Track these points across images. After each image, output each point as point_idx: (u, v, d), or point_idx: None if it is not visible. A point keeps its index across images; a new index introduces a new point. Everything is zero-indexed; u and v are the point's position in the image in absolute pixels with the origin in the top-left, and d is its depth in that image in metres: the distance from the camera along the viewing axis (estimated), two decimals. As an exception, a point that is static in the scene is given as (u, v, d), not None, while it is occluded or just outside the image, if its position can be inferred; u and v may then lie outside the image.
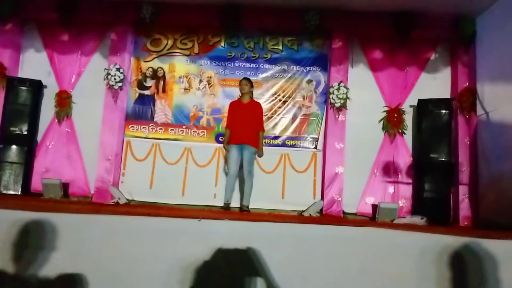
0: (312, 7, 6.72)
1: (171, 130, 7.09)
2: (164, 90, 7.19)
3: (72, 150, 7.02)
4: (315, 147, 6.98)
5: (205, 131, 7.04)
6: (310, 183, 6.85)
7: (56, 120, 7.10)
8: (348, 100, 6.76)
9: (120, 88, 6.87)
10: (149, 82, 7.22)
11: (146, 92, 7.21)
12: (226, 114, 6.78)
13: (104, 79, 6.85)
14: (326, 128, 6.91)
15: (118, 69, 6.82)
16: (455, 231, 4.03)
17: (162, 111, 7.15)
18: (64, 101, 7.08)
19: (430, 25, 6.71)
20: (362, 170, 6.84)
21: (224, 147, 6.04)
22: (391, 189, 6.81)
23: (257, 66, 7.14)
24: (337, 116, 6.79)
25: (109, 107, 6.90)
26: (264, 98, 7.05)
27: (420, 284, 2.57)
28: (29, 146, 6.89)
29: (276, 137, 7.02)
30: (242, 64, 7.14)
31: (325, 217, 6.28)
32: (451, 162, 6.50)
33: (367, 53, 7.07)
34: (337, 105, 6.72)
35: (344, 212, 6.63)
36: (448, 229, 4.61)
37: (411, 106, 6.92)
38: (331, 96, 6.75)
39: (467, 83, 6.65)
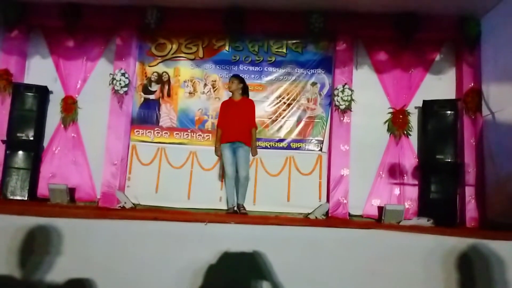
0: (316, 9, 6.72)
1: (176, 134, 7.11)
2: (169, 95, 7.22)
3: (78, 155, 7.06)
4: (320, 150, 6.98)
5: (210, 134, 7.05)
6: (315, 186, 6.84)
7: (62, 126, 7.14)
8: (353, 102, 6.74)
9: (126, 93, 6.90)
10: (154, 87, 7.25)
11: (151, 97, 7.24)
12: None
13: (110, 84, 6.88)
14: (331, 130, 6.90)
15: (123, 74, 6.85)
16: (462, 232, 4.01)
17: (167, 115, 7.18)
18: (70, 106, 7.12)
19: (434, 26, 6.69)
20: (368, 172, 6.82)
21: (215, 147, 5.82)
22: (397, 190, 6.79)
23: (261, 69, 7.15)
24: (342, 118, 6.78)
25: (114, 112, 6.93)
26: (268, 101, 7.06)
27: (427, 285, 2.56)
28: (36, 151, 6.93)
29: (281, 140, 7.02)
30: (246, 67, 7.15)
31: (331, 220, 6.26)
32: (457, 163, 6.47)
33: (371, 54, 7.06)
34: (342, 107, 6.72)
35: (350, 214, 6.61)
36: (455, 230, 4.58)
37: (416, 107, 6.89)
38: (335, 98, 6.74)
39: (472, 84, 6.62)
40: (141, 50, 7.30)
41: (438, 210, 6.16)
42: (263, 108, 6.99)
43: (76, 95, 7.19)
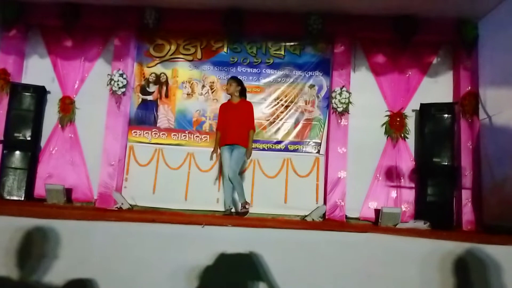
0: (314, 12, 6.74)
1: (174, 135, 7.11)
2: (167, 96, 7.22)
3: (75, 156, 7.05)
4: (318, 152, 6.99)
5: (208, 136, 7.05)
6: (312, 188, 6.85)
7: (60, 126, 7.13)
8: (350, 105, 6.76)
9: (123, 93, 6.90)
10: (152, 88, 7.25)
11: (149, 98, 7.24)
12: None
13: (107, 85, 6.88)
14: (328, 132, 6.92)
15: (121, 75, 6.85)
16: (458, 235, 4.03)
17: (165, 116, 7.18)
18: (67, 106, 7.12)
19: (432, 28, 6.72)
20: (365, 175, 6.84)
21: (213, 149, 5.84)
22: (393, 193, 6.81)
23: (259, 71, 7.16)
24: (339, 121, 6.79)
25: (112, 113, 6.93)
26: (266, 103, 7.07)
27: (424, 290, 2.57)
28: (33, 151, 6.93)
29: (279, 142, 7.03)
30: (244, 69, 7.16)
31: (328, 222, 6.27)
32: (454, 166, 6.50)
33: (369, 57, 7.08)
34: (340, 109, 6.73)
35: (347, 217, 6.63)
36: (451, 233, 4.60)
37: (413, 110, 6.92)
38: (333, 100, 6.76)
39: (469, 87, 6.65)
40: (139, 50, 7.31)
41: (435, 213, 6.19)
42: (260, 110, 7.00)
43: (74, 95, 7.19)
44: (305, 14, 6.78)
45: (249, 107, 5.82)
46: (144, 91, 7.25)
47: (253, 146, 5.89)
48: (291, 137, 7.04)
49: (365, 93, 6.92)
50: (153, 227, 2.81)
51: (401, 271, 2.62)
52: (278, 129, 7.06)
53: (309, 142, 7.02)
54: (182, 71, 7.26)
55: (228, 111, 5.76)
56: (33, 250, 2.59)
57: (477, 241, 2.73)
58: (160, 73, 7.26)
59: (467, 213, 6.38)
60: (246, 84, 6.15)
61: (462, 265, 2.58)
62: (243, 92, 5.86)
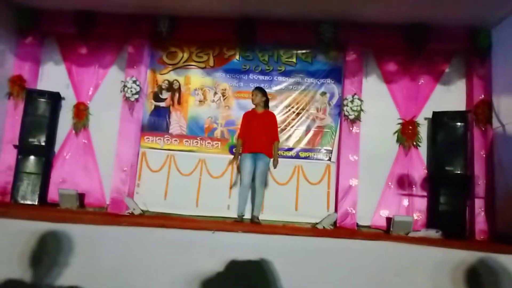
0: (326, 20, 6.75)
1: (185, 141, 7.15)
2: (179, 102, 7.28)
3: (89, 161, 7.13)
4: (329, 159, 6.97)
5: (219, 142, 7.09)
6: (323, 195, 6.83)
7: (74, 132, 7.22)
8: (362, 112, 6.74)
9: (136, 100, 6.97)
10: (165, 94, 7.32)
11: (162, 104, 7.30)
12: (240, 126, 6.84)
13: (121, 91, 6.96)
14: (340, 140, 6.90)
15: (134, 82, 6.93)
16: (471, 245, 3.98)
17: (177, 122, 7.23)
18: (81, 112, 7.20)
19: (445, 37, 6.69)
20: (377, 183, 6.79)
21: (234, 157, 5.95)
22: (405, 202, 6.75)
23: (271, 79, 7.19)
24: (351, 128, 6.77)
25: (125, 119, 7.00)
26: (278, 110, 7.06)
27: (435, 299, 2.55)
28: (47, 156, 7.01)
29: (290, 149, 7.03)
30: (256, 76, 7.19)
31: (339, 230, 6.23)
32: (466, 175, 6.43)
33: (381, 65, 7.06)
34: (351, 117, 6.72)
35: (358, 225, 6.58)
36: (464, 243, 4.55)
37: (425, 118, 6.87)
38: (345, 108, 6.75)
39: (482, 96, 6.59)
40: (152, 58, 7.38)
41: (447, 222, 6.12)
42: (272, 117, 7.00)
43: (88, 102, 7.28)
44: (317, 22, 6.79)
45: (273, 118, 5.96)
46: (157, 97, 7.32)
47: (278, 157, 5.94)
48: (302, 144, 7.04)
49: (377, 101, 6.89)
50: (164, 233, 2.84)
51: (412, 280, 2.61)
52: (290, 136, 7.07)
53: (320, 149, 7.01)
54: (194, 78, 7.31)
55: (253, 120, 5.83)
56: (46, 254, 2.63)
57: (489, 250, 2.71)
58: (173, 80, 7.32)
59: (480, 222, 6.30)
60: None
61: (474, 274, 2.56)
62: (267, 102, 5.96)
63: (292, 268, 2.63)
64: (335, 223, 6.48)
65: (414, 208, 6.68)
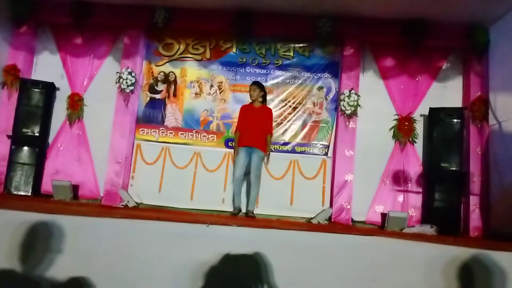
0: (324, 14, 6.72)
1: (181, 134, 7.12)
2: (175, 95, 7.24)
3: (83, 153, 7.08)
4: (325, 154, 6.96)
5: (215, 136, 7.06)
6: (319, 190, 6.82)
7: (68, 123, 7.16)
8: (358, 108, 6.73)
9: (132, 91, 6.92)
10: (161, 86, 7.27)
11: (157, 96, 7.26)
12: (236, 120, 6.80)
13: (116, 83, 6.91)
14: (336, 135, 6.89)
15: (130, 73, 6.88)
16: (465, 241, 3.99)
17: (172, 115, 7.19)
18: (76, 103, 7.15)
19: (442, 33, 6.67)
20: (372, 178, 6.79)
21: (234, 149, 5.98)
22: (400, 197, 6.75)
23: (267, 72, 7.15)
24: (347, 123, 6.76)
25: (120, 111, 6.96)
26: (274, 104, 7.03)
27: (429, 295, 2.55)
28: (41, 147, 6.96)
29: (286, 143, 7.01)
30: (253, 70, 7.15)
31: (334, 225, 6.24)
32: (462, 172, 6.44)
33: (378, 60, 7.04)
34: (348, 112, 6.70)
35: (353, 220, 6.59)
36: (458, 239, 4.56)
37: (421, 115, 6.87)
38: (341, 103, 6.73)
39: (479, 93, 6.59)
40: (148, 49, 7.33)
41: (442, 218, 6.15)
42: (268, 111, 6.97)
43: (83, 93, 7.22)
44: (315, 17, 6.76)
45: (269, 113, 5.98)
46: (152, 89, 7.27)
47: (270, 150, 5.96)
48: (298, 139, 7.02)
49: (374, 97, 6.88)
50: (158, 225, 2.82)
51: (406, 275, 2.61)
52: (286, 130, 7.05)
53: (316, 144, 6.99)
54: (190, 71, 7.27)
55: (249, 114, 5.84)
56: (37, 244, 2.61)
57: (482, 247, 2.71)
58: (169, 72, 7.28)
59: (475, 219, 6.32)
60: (254, 85, 6.16)
61: (466, 270, 2.57)
62: (265, 97, 5.98)
63: (287, 262, 2.63)
64: (330, 218, 6.48)
65: (409, 204, 6.69)
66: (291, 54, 7.18)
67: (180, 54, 7.27)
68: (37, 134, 6.88)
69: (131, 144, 7.06)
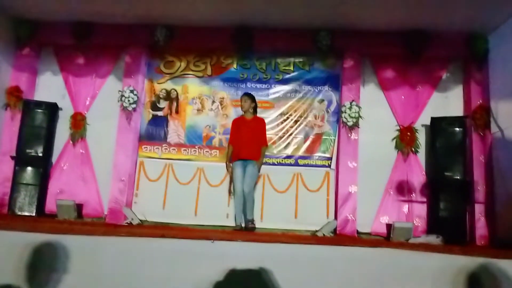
0: (324, 27, 6.77)
1: (184, 150, 7.13)
2: (177, 111, 7.27)
3: (86, 171, 7.09)
4: (328, 166, 6.95)
5: (218, 151, 7.07)
6: (323, 203, 6.80)
7: (71, 142, 7.19)
8: (360, 119, 6.74)
9: (134, 109, 6.96)
10: (163, 103, 7.31)
11: (160, 113, 7.29)
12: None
13: (118, 101, 6.95)
14: (338, 147, 6.89)
15: (132, 91, 6.92)
16: (471, 250, 3.96)
17: (175, 131, 7.21)
18: (78, 123, 7.18)
19: (442, 43, 6.71)
20: (376, 189, 6.78)
21: (226, 164, 6.01)
22: (405, 208, 6.72)
23: (268, 87, 7.19)
24: (349, 135, 6.77)
25: (123, 128, 6.98)
26: (276, 118, 7.06)
27: (437, 305, 2.53)
28: (44, 167, 6.97)
29: (289, 157, 7.01)
30: (254, 85, 7.19)
31: (339, 237, 6.21)
32: (466, 181, 6.42)
33: (378, 72, 7.07)
34: (350, 124, 6.71)
35: (358, 232, 6.55)
36: (464, 248, 4.53)
37: (423, 125, 6.87)
38: (343, 115, 6.75)
39: (480, 101, 6.60)
40: (150, 67, 7.38)
41: (447, 227, 6.10)
42: (270, 125, 6.98)
43: (85, 112, 7.26)
44: (314, 30, 6.81)
45: (262, 124, 5.99)
46: (154, 107, 7.31)
47: (263, 161, 5.96)
48: (301, 152, 7.02)
49: (375, 108, 6.90)
50: (163, 243, 2.82)
51: (413, 286, 2.59)
52: (288, 144, 7.05)
53: (319, 156, 6.99)
54: (192, 87, 7.31)
55: (242, 127, 5.87)
56: (43, 265, 2.60)
57: (490, 256, 2.69)
58: (171, 89, 7.32)
59: (481, 227, 6.28)
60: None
61: (475, 280, 2.55)
62: (255, 108, 6.00)
63: (293, 277, 2.61)
64: (335, 230, 6.45)
65: (414, 214, 6.65)
66: (291, 68, 7.22)
67: (182, 71, 7.32)
68: (40, 154, 6.90)
69: (134, 162, 7.07)
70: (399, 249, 2.90)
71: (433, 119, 6.66)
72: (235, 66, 7.29)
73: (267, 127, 6.44)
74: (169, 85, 7.33)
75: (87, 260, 2.65)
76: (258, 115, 6.14)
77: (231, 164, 5.91)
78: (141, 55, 7.22)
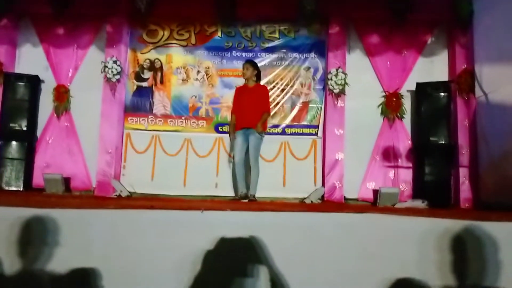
0: (308, -8, 6.67)
1: (170, 121, 7.09)
2: (162, 82, 7.18)
3: (72, 144, 7.02)
4: (315, 134, 6.98)
5: (205, 121, 7.04)
6: (310, 170, 6.88)
7: (55, 115, 7.09)
8: (346, 86, 6.74)
9: (118, 80, 6.85)
10: (147, 74, 7.20)
11: (144, 84, 7.19)
12: (225, 104, 6.80)
13: (102, 72, 6.82)
14: (325, 115, 6.91)
15: (115, 62, 6.80)
16: (456, 213, 4.06)
17: (160, 102, 7.14)
18: (62, 95, 7.06)
19: (426, 6, 6.62)
20: (362, 156, 6.85)
21: (229, 133, 5.99)
22: (391, 173, 6.83)
23: (254, 55, 7.08)
24: (336, 102, 6.78)
25: (107, 100, 6.89)
26: (262, 86, 7.02)
27: (421, 267, 2.60)
28: (29, 141, 6.90)
29: (276, 126, 7.02)
30: (239, 53, 7.10)
31: (327, 204, 6.31)
32: (450, 145, 6.52)
33: (364, 37, 7.03)
34: (336, 91, 6.71)
35: (345, 198, 6.66)
36: (449, 211, 4.64)
37: (408, 90, 6.90)
38: (329, 82, 6.73)
39: (465, 65, 6.62)
40: (132, 37, 7.23)
41: (433, 192, 6.24)
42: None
43: (68, 84, 7.13)
44: (298, -5, 6.71)
45: (265, 91, 5.94)
46: (138, 77, 7.20)
47: (266, 127, 6.02)
48: (288, 121, 7.03)
49: (361, 74, 6.89)
50: (152, 214, 2.82)
51: (399, 250, 2.65)
52: (275, 113, 7.03)
53: (306, 125, 7.01)
54: (176, 57, 7.20)
55: (244, 95, 5.81)
56: (33, 240, 2.61)
57: (474, 219, 2.75)
58: (155, 59, 7.20)
59: (465, 191, 6.42)
60: (241, 68, 6.11)
61: (459, 242, 2.61)
62: (259, 76, 5.91)
63: (282, 244, 2.65)
64: (322, 197, 6.54)
65: (400, 180, 6.77)
66: (277, 35, 7.14)
67: (165, 40, 7.19)
68: (24, 128, 6.81)
69: (121, 134, 7.02)
70: (386, 214, 2.95)
71: (418, 84, 6.70)
72: (219, 34, 7.18)
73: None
74: (152, 55, 7.21)
75: (78, 233, 2.65)
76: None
77: (234, 134, 5.86)
78: (123, 25, 7.05)
